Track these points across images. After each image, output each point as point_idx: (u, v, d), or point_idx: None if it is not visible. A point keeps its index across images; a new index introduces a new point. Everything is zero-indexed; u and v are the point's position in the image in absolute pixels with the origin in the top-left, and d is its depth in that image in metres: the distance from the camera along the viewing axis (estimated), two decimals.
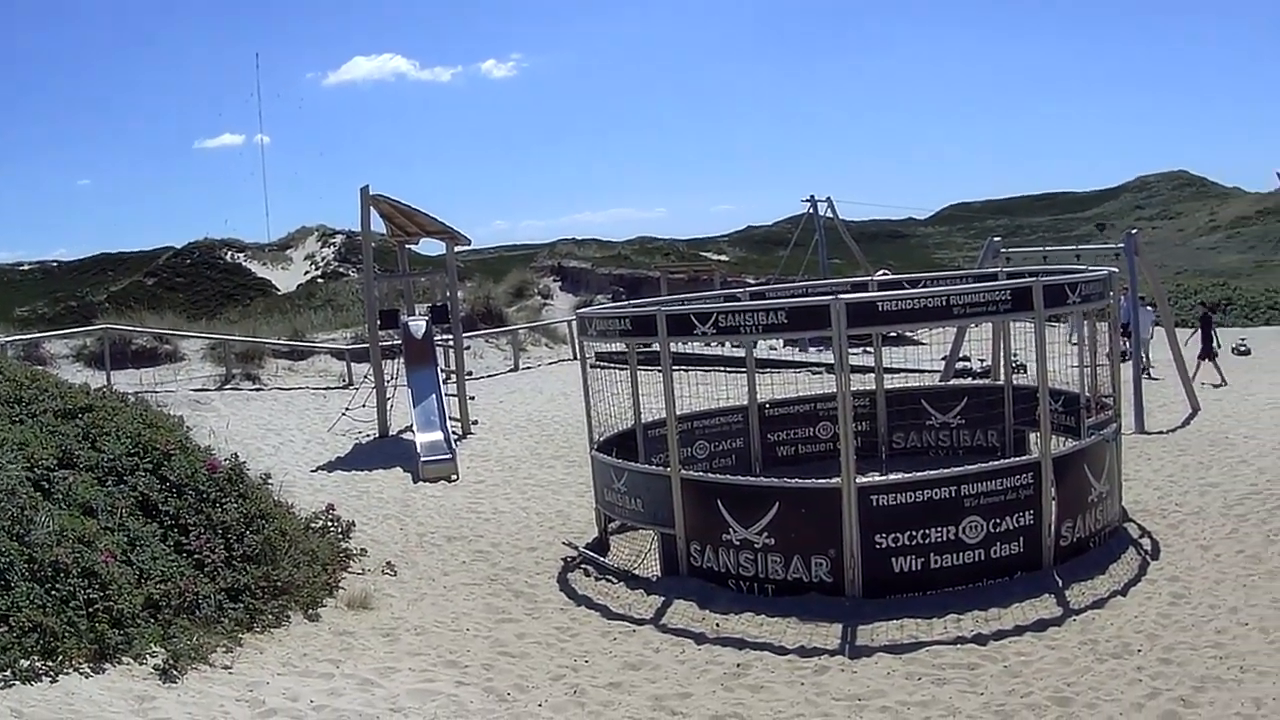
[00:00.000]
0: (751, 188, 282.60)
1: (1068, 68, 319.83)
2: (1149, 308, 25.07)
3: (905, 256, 74.13)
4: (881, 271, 35.25)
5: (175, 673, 7.85)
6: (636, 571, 11.96)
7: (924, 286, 13.87)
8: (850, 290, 15.23)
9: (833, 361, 11.37)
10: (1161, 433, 18.34)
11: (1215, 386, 23.55)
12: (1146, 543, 12.09)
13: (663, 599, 10.98)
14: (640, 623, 10.42)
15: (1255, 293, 45.13)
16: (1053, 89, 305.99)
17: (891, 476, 11.45)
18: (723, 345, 22.37)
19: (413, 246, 25.12)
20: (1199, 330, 25.67)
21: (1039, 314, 11.25)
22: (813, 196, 53.60)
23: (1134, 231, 22.30)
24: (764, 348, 28.39)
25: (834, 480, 10.86)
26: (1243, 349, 30.88)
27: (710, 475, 13.41)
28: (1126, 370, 18.29)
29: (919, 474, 11.06)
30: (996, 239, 24.01)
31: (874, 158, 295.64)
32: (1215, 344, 25.68)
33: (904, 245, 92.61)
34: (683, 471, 11.68)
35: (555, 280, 50.43)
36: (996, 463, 11.56)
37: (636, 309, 13.20)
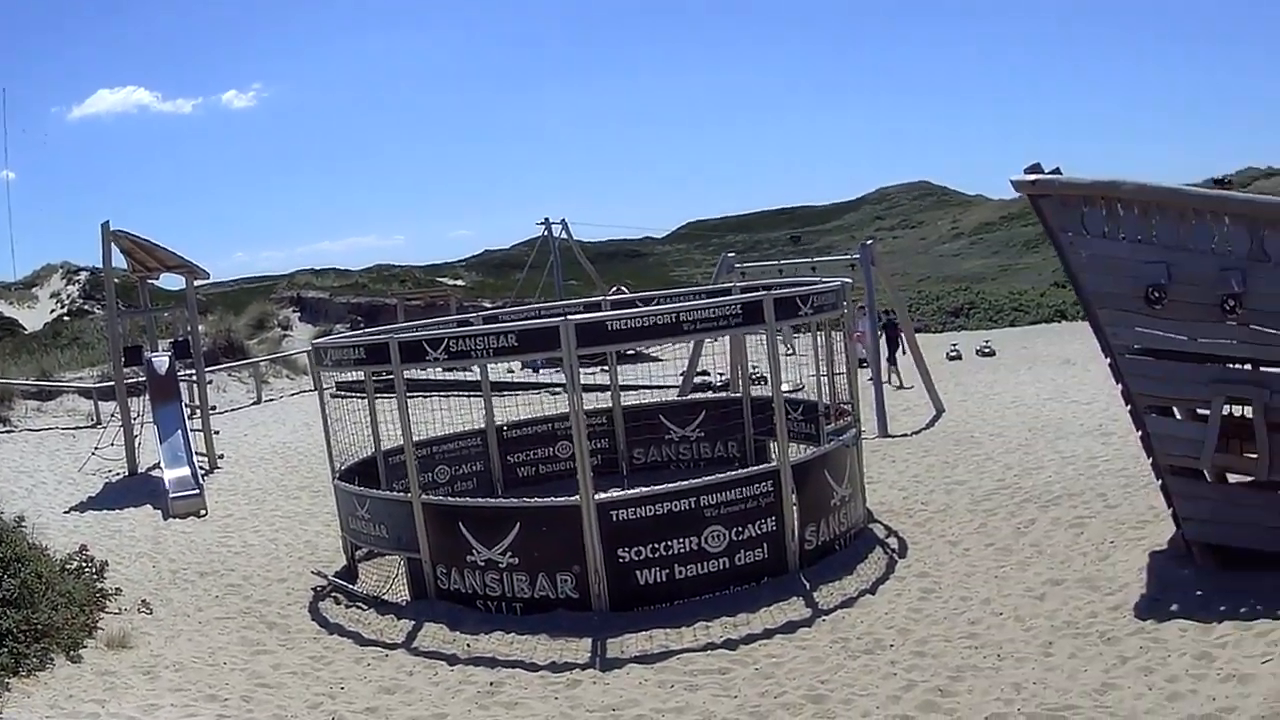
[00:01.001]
0: (489, 212, 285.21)
1: (804, 83, 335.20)
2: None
3: (644, 275, 76.26)
4: (615, 289, 36.84)
5: None
6: (386, 597, 12.71)
7: (658, 304, 15.03)
8: (583, 310, 16.21)
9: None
10: (906, 435, 20.25)
11: (898, 389, 25.88)
12: (894, 542, 13.43)
13: (413, 623, 11.72)
14: (393, 647, 11.13)
15: (999, 296, 48.45)
16: (790, 104, 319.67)
17: (630, 491, 12.36)
18: (461, 370, 23.22)
19: (154, 281, 25.81)
20: (884, 335, 27.65)
21: (770, 326, 12.47)
22: (547, 219, 55.80)
23: (869, 242, 24.13)
24: (502, 370, 29.42)
25: (573, 498, 11.71)
26: (987, 350, 33.09)
27: (450, 499, 14.48)
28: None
29: (657, 487, 12.01)
30: (730, 255, 25.72)
31: (610, 178, 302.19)
32: (901, 349, 27.81)
33: (642, 264, 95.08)
34: (423, 496, 12.46)
35: (295, 311, 52.41)
36: (735, 472, 12.66)
37: (370, 337, 13.93)
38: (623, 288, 38.73)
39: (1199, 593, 10.00)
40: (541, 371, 30.43)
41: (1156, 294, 10.32)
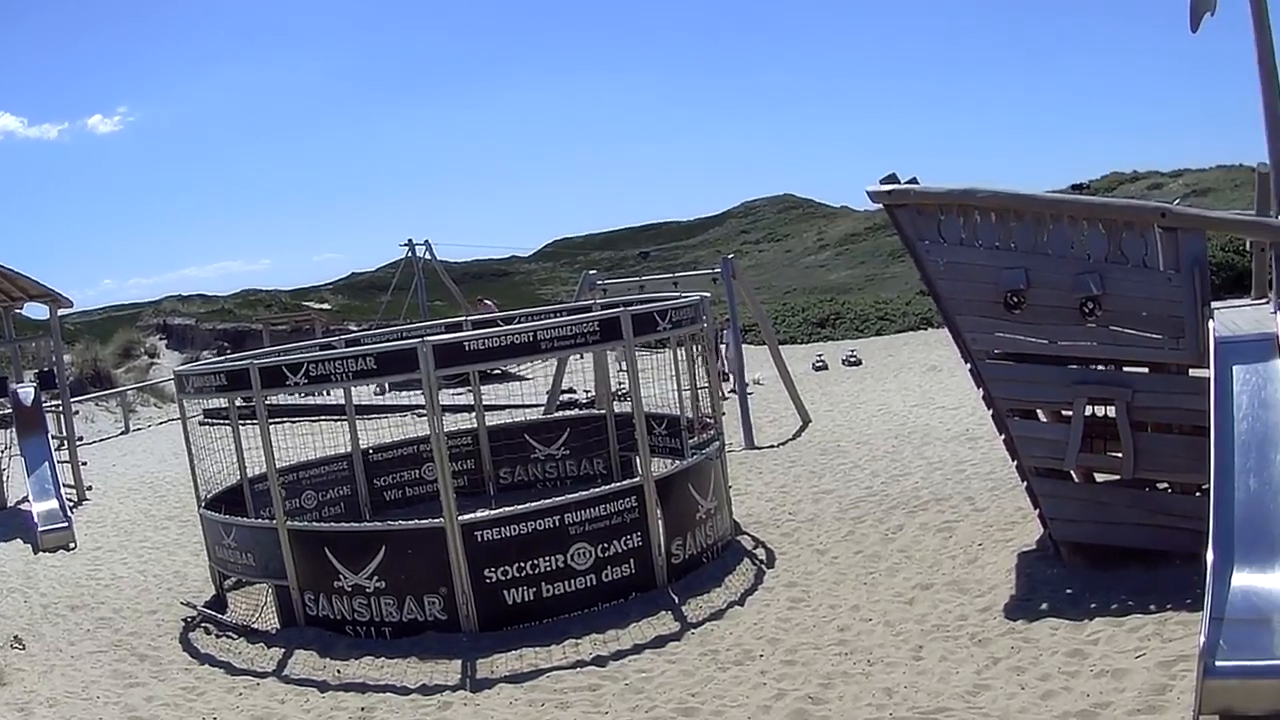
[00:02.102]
0: (355, 235, 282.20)
1: (667, 98, 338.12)
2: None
3: (510, 294, 76.17)
4: (480, 300, 36.80)
5: None
6: (255, 625, 12.52)
7: (517, 323, 15.06)
8: (444, 331, 16.23)
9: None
10: (773, 446, 20.42)
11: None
12: (762, 553, 13.53)
13: (283, 650, 11.57)
14: (264, 676, 10.98)
15: (865, 306, 49.14)
16: (653, 120, 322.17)
17: (494, 511, 12.37)
18: (325, 394, 23.09)
19: (19, 311, 25.33)
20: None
21: (629, 343, 12.52)
22: (411, 240, 55.79)
23: (730, 256, 24.41)
24: (368, 393, 29.23)
25: (438, 520, 11.69)
26: (853, 360, 33.64)
27: (315, 524, 14.34)
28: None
29: (521, 507, 12.01)
30: (592, 272, 25.79)
31: (476, 198, 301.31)
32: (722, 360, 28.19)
33: (508, 283, 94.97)
34: (289, 522, 12.33)
35: (162, 339, 52.75)
36: (598, 489, 12.64)
37: (230, 364, 13.82)
38: (487, 300, 38.68)
39: (1068, 591, 10.22)
40: (393, 394, 30.19)
41: (1015, 299, 10.57)
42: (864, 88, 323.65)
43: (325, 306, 68.23)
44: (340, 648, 11.44)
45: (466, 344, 12.10)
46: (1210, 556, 7.92)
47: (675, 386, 15.82)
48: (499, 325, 15.95)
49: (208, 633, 12.57)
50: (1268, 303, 10.84)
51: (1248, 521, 8.11)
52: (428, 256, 56.30)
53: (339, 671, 10.86)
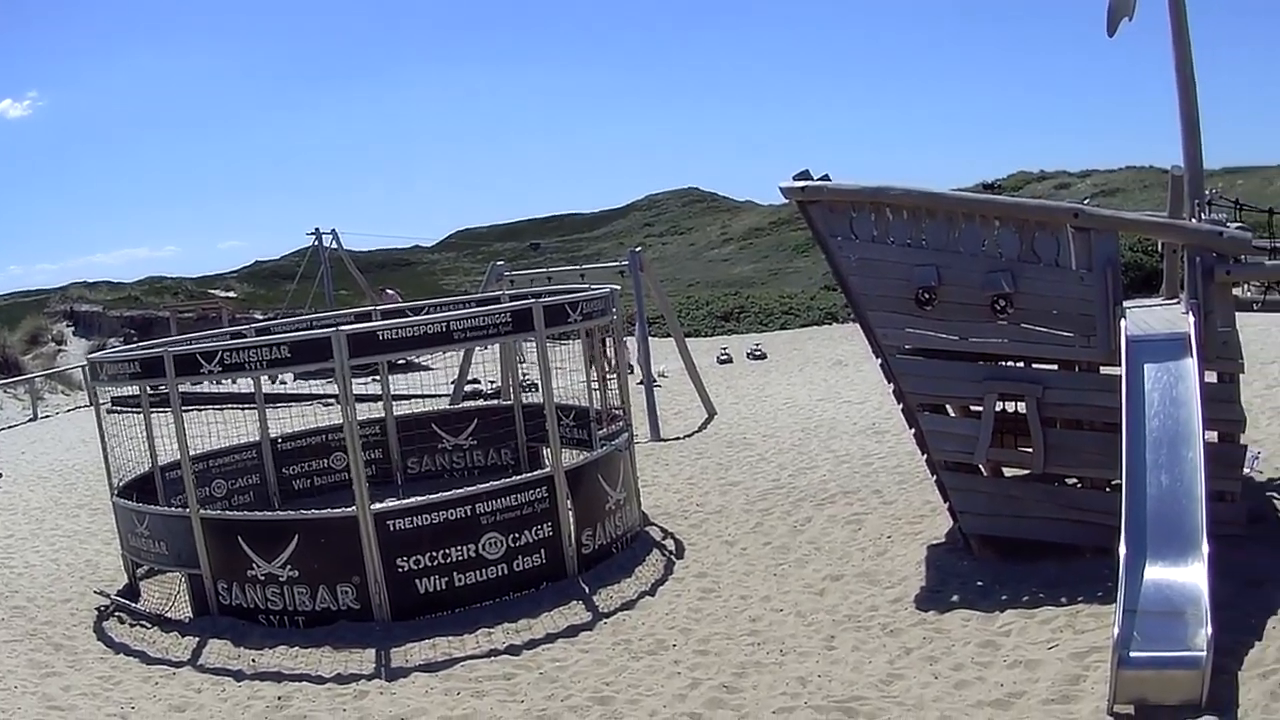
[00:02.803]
0: (259, 223, 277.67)
1: (573, 90, 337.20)
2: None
3: (413, 284, 75.48)
4: (383, 290, 36.51)
5: None
6: (169, 615, 12.36)
7: (428, 313, 14.98)
8: (354, 320, 16.09)
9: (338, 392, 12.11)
10: (679, 438, 20.47)
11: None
12: (671, 544, 13.58)
13: (197, 639, 11.46)
14: (179, 665, 10.87)
15: (769, 300, 49.21)
16: (558, 112, 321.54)
17: (406, 501, 12.35)
18: (233, 382, 22.75)
19: None
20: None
21: (540, 334, 12.55)
22: (317, 229, 55.07)
23: (638, 249, 24.46)
24: (276, 382, 28.94)
25: (350, 509, 11.63)
26: (758, 353, 33.71)
27: (229, 513, 14.18)
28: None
29: (433, 496, 12.02)
30: (500, 263, 25.77)
31: (380, 187, 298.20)
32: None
33: (411, 273, 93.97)
34: (201, 511, 12.18)
35: (68, 325, 52.14)
36: (510, 480, 12.61)
37: (144, 351, 13.49)
38: (390, 289, 38.36)
39: (979, 583, 10.38)
40: (297, 383, 29.86)
41: (927, 295, 10.70)
42: (771, 82, 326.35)
43: (231, 295, 67.39)
44: (254, 637, 11.34)
45: (380, 333, 12.05)
46: (1123, 550, 8.10)
47: (584, 378, 15.79)
48: (408, 315, 15.81)
49: (122, 622, 12.39)
50: (1179, 303, 11.10)
51: (1160, 516, 8.31)
52: (334, 245, 55.63)
53: (254, 660, 10.78)
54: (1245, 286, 11.15)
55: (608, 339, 15.71)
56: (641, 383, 22.17)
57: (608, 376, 15.75)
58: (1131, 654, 7.31)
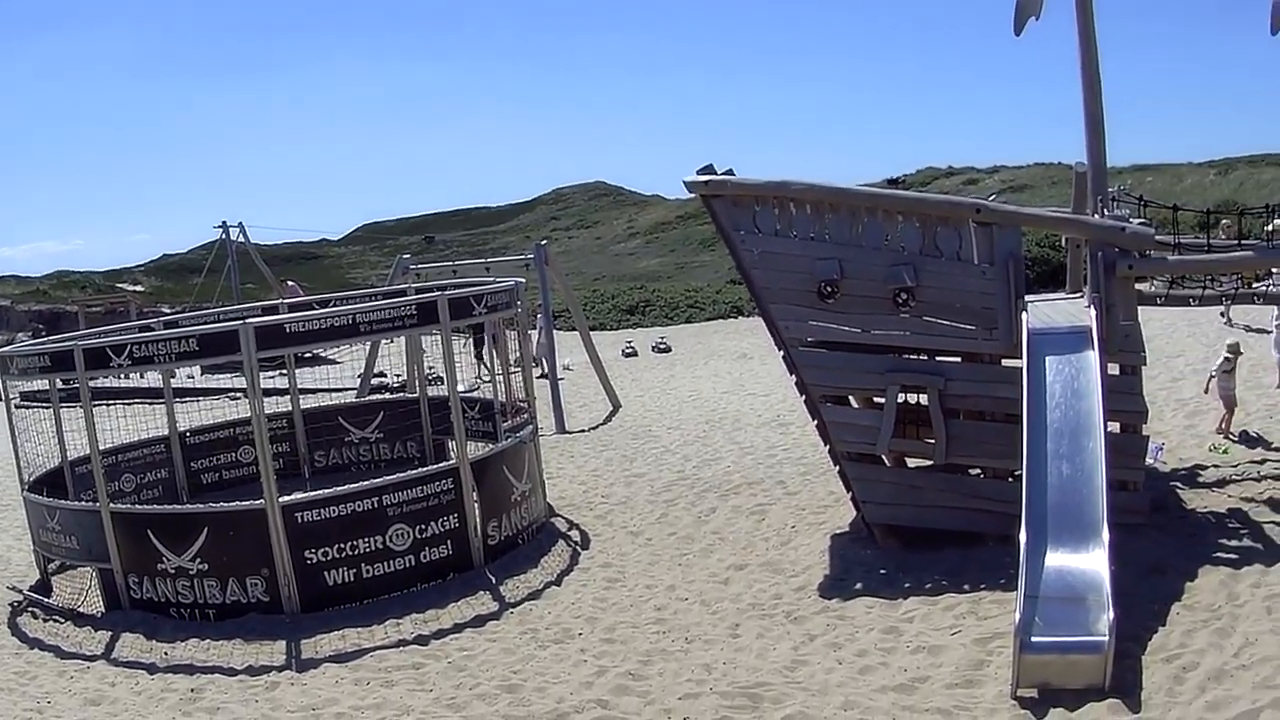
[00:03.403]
0: (166, 215, 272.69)
1: (480, 83, 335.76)
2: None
3: (320, 277, 74.71)
4: (284, 280, 36.09)
5: None
6: (82, 609, 12.18)
7: (334, 306, 14.82)
8: (261, 314, 15.85)
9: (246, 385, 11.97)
10: (584, 431, 20.43)
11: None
12: (576, 535, 13.61)
13: (110, 633, 11.32)
14: (93, 659, 10.74)
15: (675, 293, 49.30)
16: (465, 104, 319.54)
17: (314, 493, 12.18)
18: (142, 377, 22.31)
19: None
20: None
21: (445, 327, 12.49)
22: (225, 222, 54.40)
23: (543, 242, 24.36)
24: (183, 376, 28.38)
25: (258, 501, 11.52)
26: (663, 346, 33.73)
27: (138, 507, 13.92)
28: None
29: (340, 489, 11.90)
30: (406, 256, 25.50)
31: (286, 179, 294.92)
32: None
33: (318, 266, 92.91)
34: (111, 505, 11.98)
35: None
36: (416, 472, 12.59)
37: (54, 345, 13.35)
38: (290, 281, 37.88)
39: (883, 571, 10.51)
40: (204, 377, 29.35)
41: (829, 289, 10.80)
42: (677, 77, 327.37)
43: (139, 288, 66.57)
44: (166, 630, 11.23)
45: (287, 326, 11.97)
46: (1023, 537, 8.22)
47: (489, 370, 15.72)
48: (314, 308, 15.66)
49: (35, 617, 12.22)
50: (1081, 297, 11.28)
51: (1061, 505, 8.46)
52: (241, 239, 55.00)
53: (166, 653, 10.68)
54: (1151, 281, 11.35)
55: (512, 332, 15.63)
56: (545, 376, 22.12)
57: (512, 370, 15.67)
58: (1034, 639, 7.43)
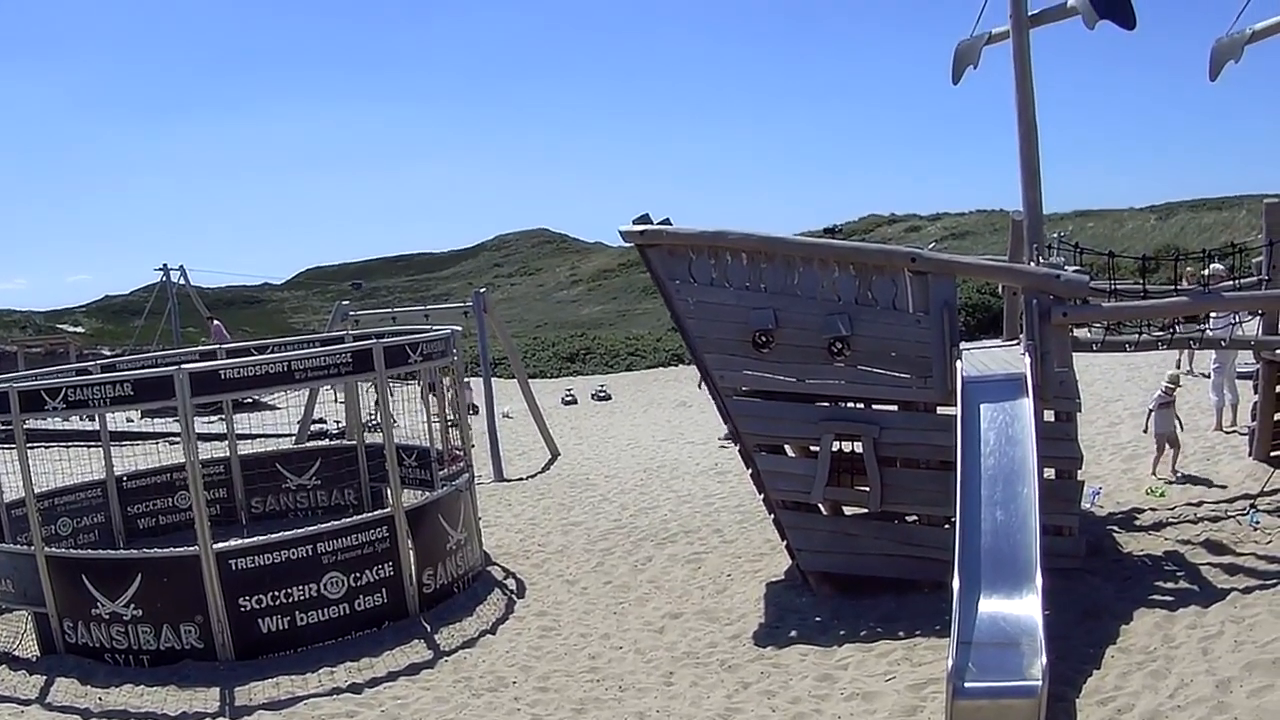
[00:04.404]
0: (108, 257, 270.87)
1: (423, 129, 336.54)
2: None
3: (262, 322, 74.62)
4: (210, 318, 35.93)
5: None
6: (15, 653, 11.99)
7: (272, 352, 14.69)
8: (199, 358, 15.73)
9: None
10: (522, 479, 20.33)
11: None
12: (512, 583, 13.51)
13: (44, 678, 11.12)
14: (26, 703, 10.56)
15: (616, 341, 49.44)
16: (409, 151, 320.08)
17: (248, 540, 12.07)
18: (80, 419, 22.02)
19: None
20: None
21: (380, 374, 12.43)
22: (165, 265, 54.05)
23: (482, 290, 24.33)
24: (122, 420, 28.01)
25: (192, 548, 11.39)
26: (603, 395, 33.77)
27: (74, 551, 13.72)
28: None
29: (274, 535, 11.80)
30: (345, 302, 25.36)
31: (229, 223, 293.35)
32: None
33: (260, 310, 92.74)
34: (46, 549, 11.79)
35: None
36: (351, 519, 12.50)
37: None
38: (214, 320, 37.57)
39: (817, 619, 10.51)
40: (145, 421, 28.99)
41: (764, 338, 10.85)
42: (620, 125, 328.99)
43: (79, 330, 65.80)
44: (100, 675, 11.05)
45: (222, 372, 11.89)
46: (956, 583, 8.23)
47: (425, 418, 15.64)
48: (252, 353, 15.53)
49: None
50: (1017, 344, 11.37)
51: (994, 551, 8.48)
52: (182, 281, 54.67)
53: (100, 699, 10.53)
54: (1089, 328, 11.47)
55: (448, 380, 15.57)
56: (482, 423, 22.01)
57: (449, 418, 15.60)
58: (966, 684, 7.43)
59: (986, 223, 64.72)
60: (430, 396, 15.48)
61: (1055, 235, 13.70)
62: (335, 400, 26.50)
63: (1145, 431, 14.40)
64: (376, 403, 14.20)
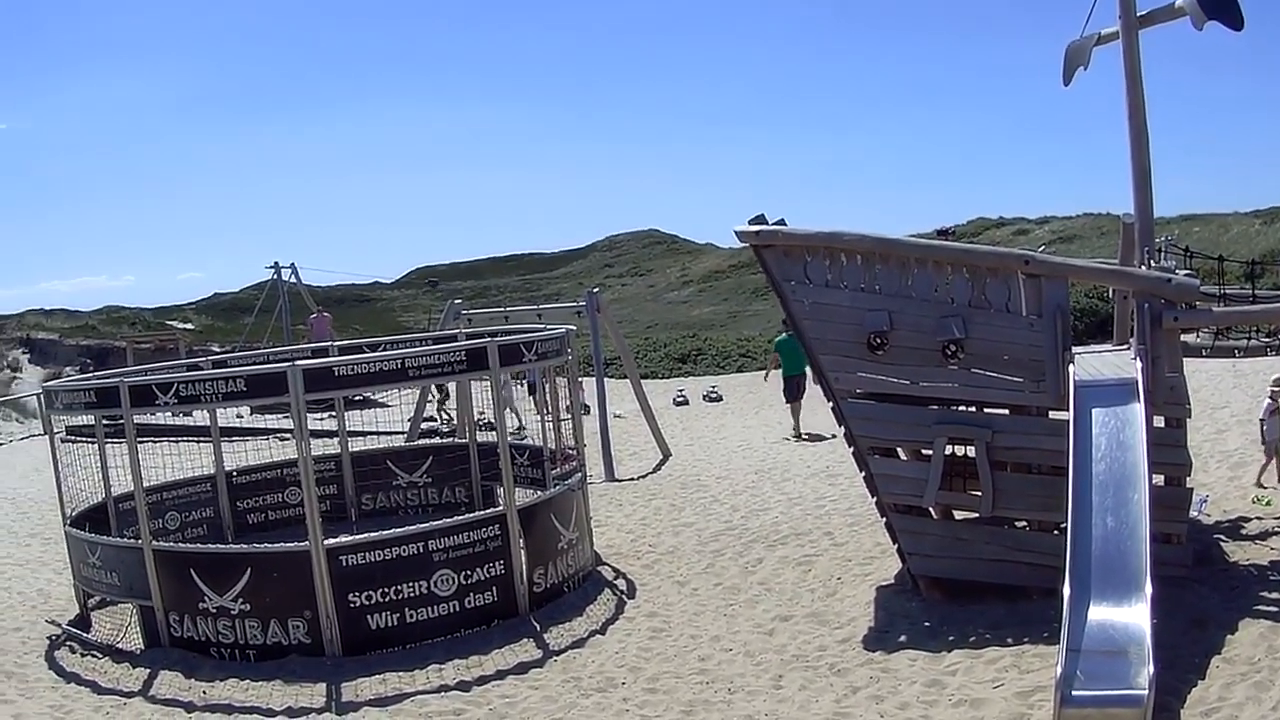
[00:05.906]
0: (218, 254, 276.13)
1: (535, 129, 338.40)
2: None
3: (373, 320, 75.52)
4: (314, 315, 36.57)
5: None
6: (120, 645, 12.29)
7: (384, 349, 14.98)
8: (310, 355, 16.00)
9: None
10: (633, 479, 20.47)
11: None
12: (622, 583, 13.62)
13: (149, 671, 11.39)
14: (130, 695, 10.80)
15: (727, 342, 49.23)
16: (520, 151, 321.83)
17: (359, 536, 12.33)
18: (189, 415, 22.62)
19: None
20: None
21: (495, 373, 12.61)
22: (277, 263, 54.82)
23: (595, 290, 24.49)
24: (231, 416, 28.72)
25: (303, 543, 11.62)
26: (714, 395, 33.74)
27: (181, 545, 14.08)
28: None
29: (385, 532, 12.02)
30: (457, 301, 25.77)
31: (340, 222, 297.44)
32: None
33: (371, 309, 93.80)
34: (154, 543, 12.11)
35: (24, 352, 52.02)
36: (462, 517, 12.67)
37: (100, 380, 13.46)
38: (325, 313, 38.22)
39: (926, 624, 10.50)
40: (255, 416, 29.67)
41: (878, 340, 10.86)
42: (732, 126, 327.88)
43: (189, 326, 67.12)
44: (205, 669, 11.29)
45: (336, 369, 12.08)
46: (1067, 590, 8.22)
47: (538, 417, 15.84)
48: (365, 351, 15.84)
49: (73, 651, 12.32)
50: (1128, 348, 11.28)
51: (1104, 557, 8.44)
52: (293, 279, 55.45)
53: (204, 693, 10.75)
54: (1197, 333, 11.35)
55: (563, 379, 15.76)
56: (595, 423, 22.21)
57: (563, 417, 15.78)
58: (1074, 692, 7.42)
59: (1093, 226, 63.35)
60: (544, 396, 15.69)
61: (1163, 239, 13.54)
62: (431, 399, 26.80)
63: (1264, 443, 14.13)
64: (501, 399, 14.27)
